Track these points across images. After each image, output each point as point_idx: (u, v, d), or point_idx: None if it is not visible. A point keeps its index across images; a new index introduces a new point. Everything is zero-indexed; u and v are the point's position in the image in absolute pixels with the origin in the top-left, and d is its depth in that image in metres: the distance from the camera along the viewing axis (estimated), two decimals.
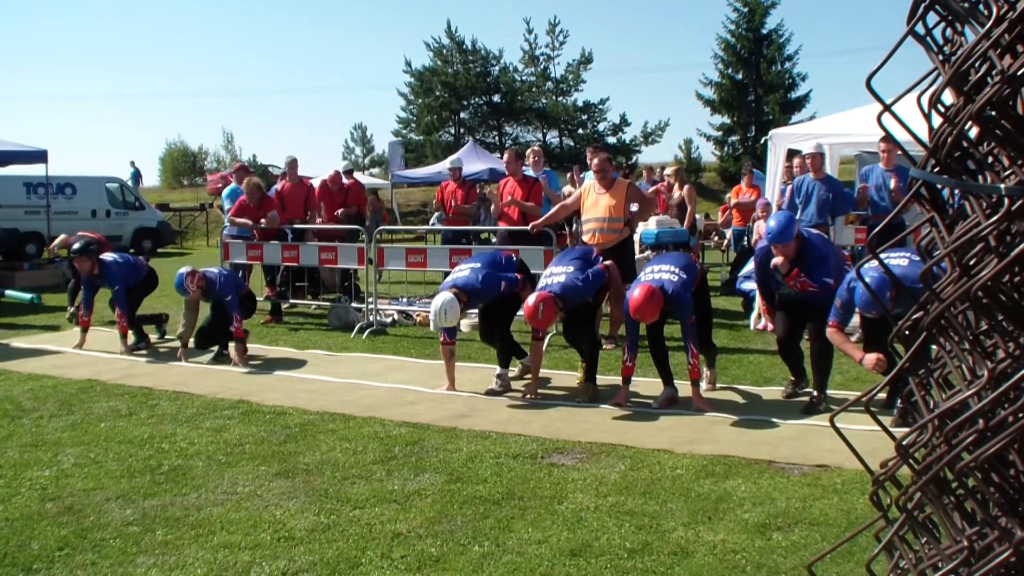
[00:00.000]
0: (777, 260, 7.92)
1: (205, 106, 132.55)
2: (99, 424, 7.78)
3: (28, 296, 16.07)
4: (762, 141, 15.90)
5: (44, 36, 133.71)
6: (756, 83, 50.20)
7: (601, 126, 55.13)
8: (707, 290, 8.79)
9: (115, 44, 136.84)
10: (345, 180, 15.90)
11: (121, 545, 5.13)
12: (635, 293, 7.86)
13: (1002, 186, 1.57)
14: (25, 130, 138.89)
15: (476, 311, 9.40)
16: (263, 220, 13.69)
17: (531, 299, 8.19)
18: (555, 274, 8.51)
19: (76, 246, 11.41)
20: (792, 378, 8.47)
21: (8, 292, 16.73)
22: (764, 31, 49.98)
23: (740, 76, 50.72)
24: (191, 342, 10.79)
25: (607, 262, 9.06)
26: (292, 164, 15.20)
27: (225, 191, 16.54)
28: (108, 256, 11.43)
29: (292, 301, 14.22)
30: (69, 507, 5.75)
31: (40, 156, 19.59)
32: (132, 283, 11.44)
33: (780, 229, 7.86)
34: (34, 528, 5.41)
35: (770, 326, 11.90)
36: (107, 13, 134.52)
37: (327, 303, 14.28)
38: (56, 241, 14.71)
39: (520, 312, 8.72)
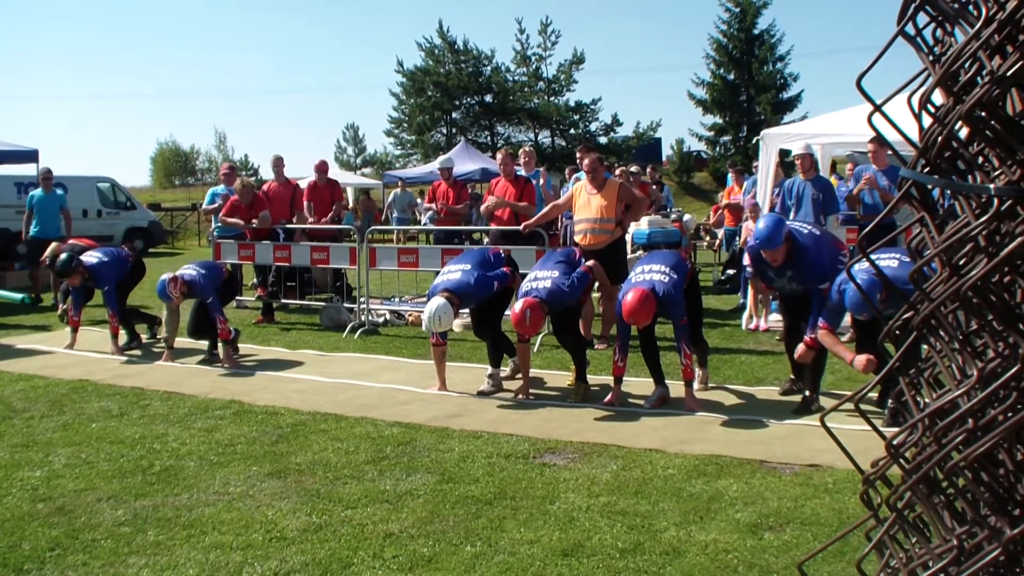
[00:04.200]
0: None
1: (197, 106, 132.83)
2: (90, 424, 7.77)
3: (19, 296, 16.02)
4: (754, 141, 15.90)
5: (35, 36, 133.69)
6: (748, 83, 50.45)
7: (593, 126, 55.38)
8: (698, 288, 8.80)
9: (107, 44, 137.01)
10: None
11: (112, 546, 5.12)
12: (628, 297, 7.84)
13: (991, 186, 1.57)
14: (16, 130, 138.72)
15: (466, 310, 9.38)
16: (255, 220, 13.67)
17: (517, 306, 8.17)
18: (540, 279, 8.46)
19: (60, 265, 11.19)
20: (791, 376, 8.48)
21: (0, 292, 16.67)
22: (756, 31, 50.28)
23: (732, 76, 50.98)
24: (175, 341, 10.79)
25: (589, 262, 9.05)
26: (278, 163, 15.16)
27: (209, 192, 16.59)
28: (92, 258, 11.29)
29: (284, 301, 14.20)
30: (60, 508, 5.74)
31: (31, 156, 19.50)
32: (120, 278, 11.42)
33: (768, 234, 7.78)
34: (25, 529, 5.39)
35: (762, 325, 11.93)
36: (98, 13, 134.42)
37: (319, 303, 14.26)
38: (47, 251, 14.46)
39: (508, 312, 8.71)
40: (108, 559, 4.94)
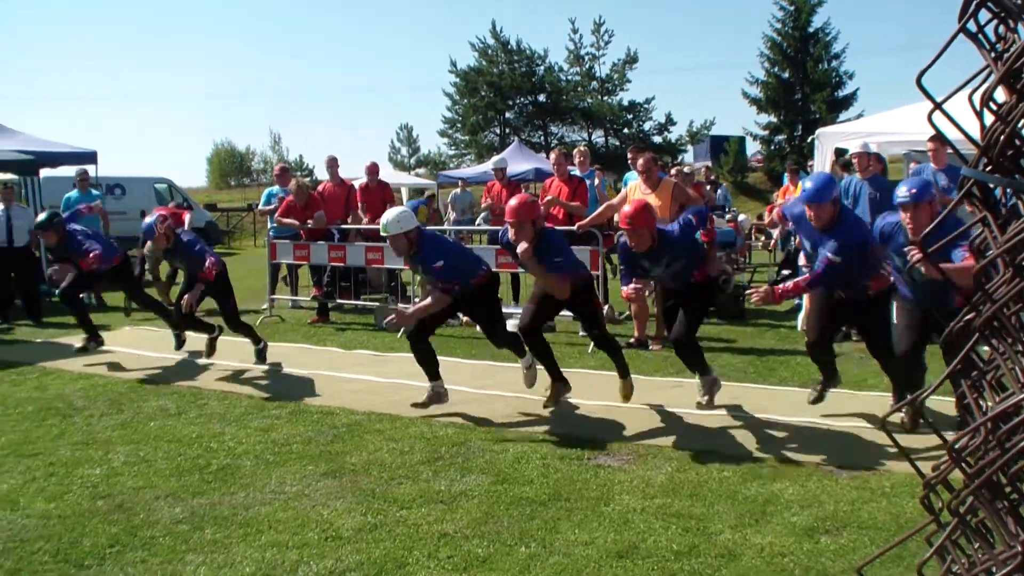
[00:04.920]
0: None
1: (252, 107, 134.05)
2: (148, 423, 7.87)
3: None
4: (809, 140, 15.82)
5: (93, 39, 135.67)
6: (803, 82, 49.86)
7: (647, 125, 55.03)
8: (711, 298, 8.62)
9: (163, 45, 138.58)
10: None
11: (170, 543, 5.18)
12: (627, 208, 7.72)
13: None
14: (76, 131, 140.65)
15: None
16: (310, 221, 13.77)
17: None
18: None
19: (41, 219, 11.00)
20: (822, 378, 7.92)
21: (57, 291, 16.85)
22: (810, 29, 49.65)
23: (786, 75, 50.40)
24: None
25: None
26: (332, 164, 15.27)
27: (264, 192, 16.66)
28: (82, 231, 11.11)
29: (339, 301, 14.30)
30: (119, 505, 5.82)
31: (90, 157, 19.68)
32: (106, 257, 10.98)
33: (817, 187, 7.16)
34: (86, 525, 5.48)
35: None
36: (156, 14, 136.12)
37: (373, 303, 14.32)
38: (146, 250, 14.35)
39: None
40: (166, 556, 5.01)
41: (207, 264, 9.95)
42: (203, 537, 5.28)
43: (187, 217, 17.14)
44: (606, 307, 11.64)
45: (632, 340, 10.93)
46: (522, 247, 7.81)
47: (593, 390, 8.81)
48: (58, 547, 5.17)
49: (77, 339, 12.11)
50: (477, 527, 5.31)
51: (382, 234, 8.20)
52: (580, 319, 8.56)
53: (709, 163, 43.56)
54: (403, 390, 8.93)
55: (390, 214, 8.07)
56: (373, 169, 15.20)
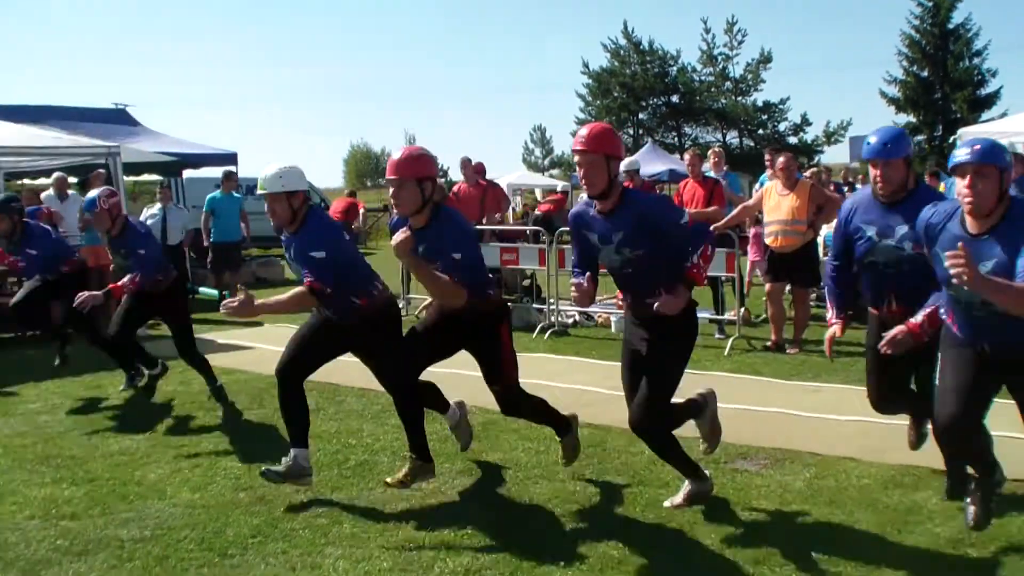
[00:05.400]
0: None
1: (388, 109, 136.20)
2: None
3: (217, 292, 16.55)
4: (950, 140, 15.35)
5: (233, 43, 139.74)
6: (943, 80, 48.42)
7: (782, 126, 54.27)
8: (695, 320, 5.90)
9: (299, 49, 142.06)
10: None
11: (310, 536, 5.29)
12: (583, 130, 5.46)
13: None
14: (219, 133, 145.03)
15: None
16: None
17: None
18: None
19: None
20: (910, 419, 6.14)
21: (201, 289, 17.29)
22: (950, 26, 48.19)
23: (925, 73, 49.02)
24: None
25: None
26: (466, 165, 15.36)
27: None
28: (41, 227, 9.74)
29: None
30: (261, 497, 5.96)
31: (231, 158, 20.19)
32: (55, 259, 9.36)
33: (884, 139, 5.45)
34: (228, 516, 5.63)
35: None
36: (291, 16, 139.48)
37: (508, 304, 14.36)
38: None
39: None
40: (306, 548, 5.11)
41: (131, 276, 8.27)
42: (342, 531, 5.36)
43: (362, 209, 17.36)
44: (742, 310, 11.52)
45: (769, 344, 10.77)
46: (400, 237, 5.52)
47: (731, 394, 8.65)
48: (203, 536, 5.33)
49: (219, 336, 12.44)
50: (612, 528, 5.29)
51: (258, 192, 6.11)
52: (480, 363, 6.53)
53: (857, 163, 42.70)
54: (538, 390, 8.79)
55: (272, 167, 5.92)
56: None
